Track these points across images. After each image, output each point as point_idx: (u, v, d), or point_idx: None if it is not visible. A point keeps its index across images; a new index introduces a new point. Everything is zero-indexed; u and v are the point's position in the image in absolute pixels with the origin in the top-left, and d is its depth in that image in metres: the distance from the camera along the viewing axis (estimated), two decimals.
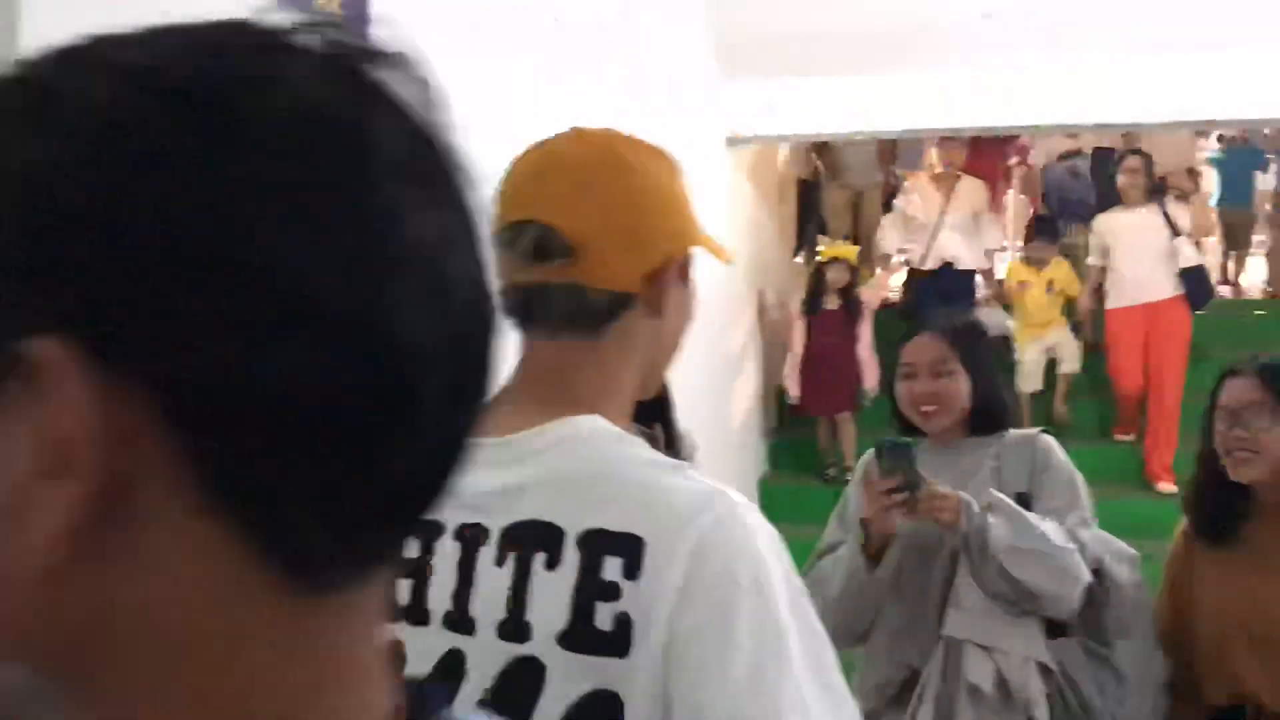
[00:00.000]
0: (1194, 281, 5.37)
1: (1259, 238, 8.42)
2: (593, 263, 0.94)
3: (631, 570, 0.87)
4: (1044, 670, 2.04)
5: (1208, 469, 2.11)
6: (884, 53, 4.77)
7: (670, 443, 2.06)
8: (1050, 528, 2.00)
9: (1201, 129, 7.19)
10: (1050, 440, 2.19)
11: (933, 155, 6.15)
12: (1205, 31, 4.51)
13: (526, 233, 0.93)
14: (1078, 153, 7.45)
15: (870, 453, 2.15)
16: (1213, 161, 8.39)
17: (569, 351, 0.97)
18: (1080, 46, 4.72)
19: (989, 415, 2.17)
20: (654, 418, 2.14)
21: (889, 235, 6.24)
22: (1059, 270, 5.97)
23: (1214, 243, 8.49)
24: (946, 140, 5.90)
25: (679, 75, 4.43)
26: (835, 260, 5.64)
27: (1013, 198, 8.49)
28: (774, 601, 0.86)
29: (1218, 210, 8.41)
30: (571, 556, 0.89)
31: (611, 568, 0.87)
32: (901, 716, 2.06)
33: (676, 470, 0.93)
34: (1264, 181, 8.40)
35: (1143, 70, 4.72)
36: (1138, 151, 5.80)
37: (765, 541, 0.89)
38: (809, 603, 0.90)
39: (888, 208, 6.82)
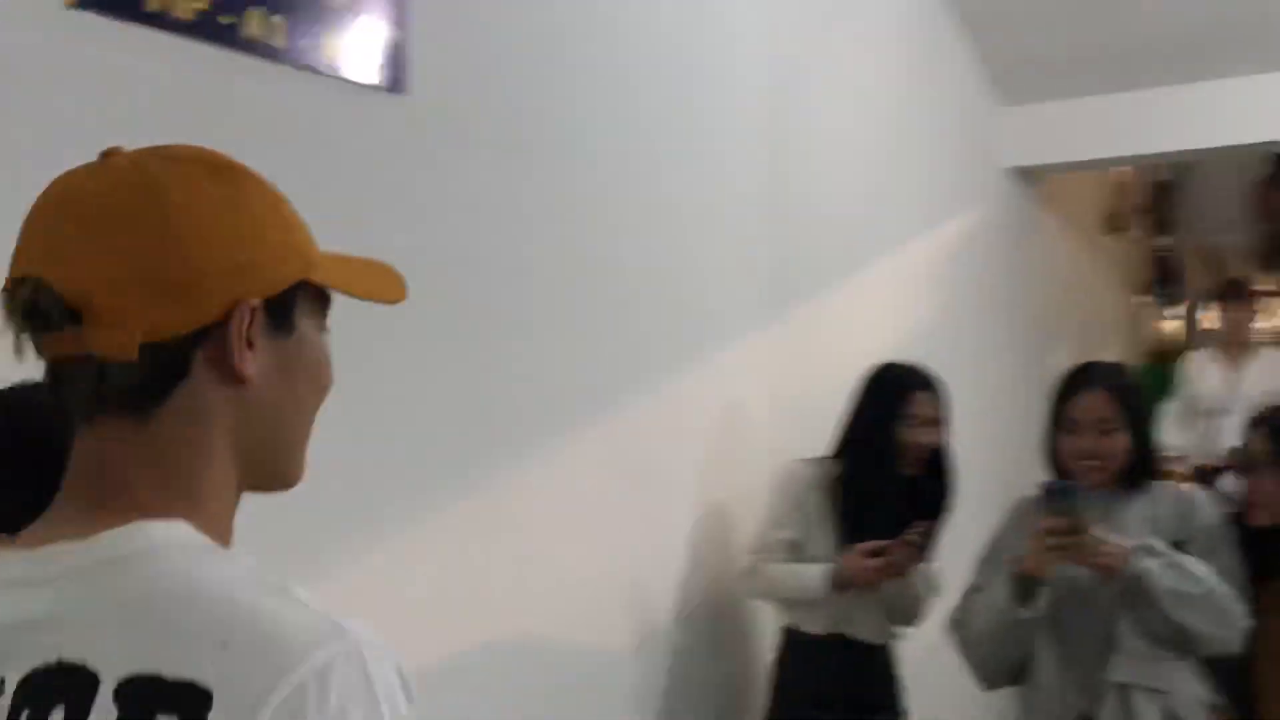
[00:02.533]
0: None
1: None
2: (106, 325, 0.70)
3: None
4: (1212, 708, 2.17)
5: None
6: (1181, 63, 4.03)
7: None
8: (1207, 572, 2.09)
9: None
10: (1201, 493, 2.34)
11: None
12: None
13: (19, 293, 0.72)
14: None
15: (1023, 496, 2.34)
16: None
17: (112, 441, 0.74)
18: None
19: (1142, 470, 2.22)
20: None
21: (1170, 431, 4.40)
22: None
23: None
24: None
25: (949, 107, 4.21)
26: None
27: None
28: None
29: None
30: (104, 716, 0.66)
31: None
32: None
33: (283, 595, 0.70)
34: None
35: None
36: None
37: (390, 690, 0.68)
38: None
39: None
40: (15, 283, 0.72)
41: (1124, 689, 2.11)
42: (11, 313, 0.71)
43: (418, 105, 2.05)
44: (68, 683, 0.67)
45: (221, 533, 0.76)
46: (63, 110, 1.56)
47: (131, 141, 0.78)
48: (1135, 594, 2.05)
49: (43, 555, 0.71)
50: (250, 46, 1.75)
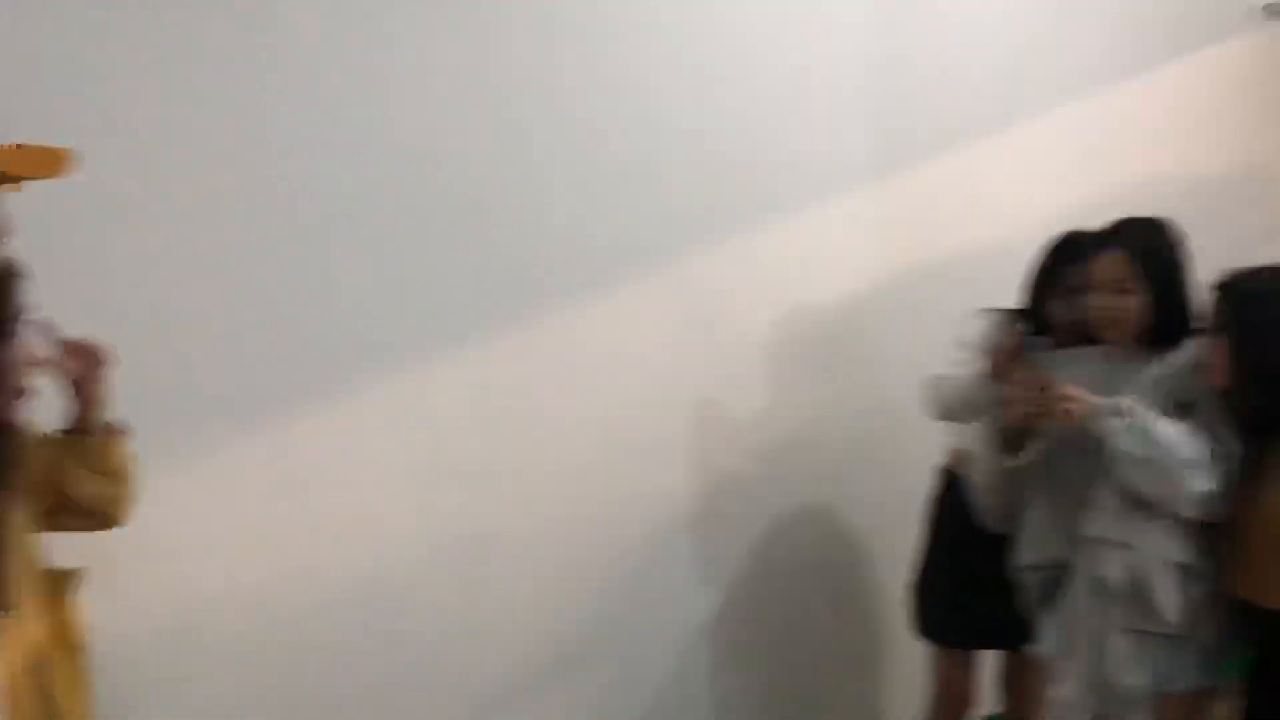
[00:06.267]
0: None
1: None
2: None
3: None
4: (1188, 568, 2.14)
5: None
6: None
7: None
8: (1179, 436, 2.08)
9: None
10: None
11: None
12: None
13: None
14: None
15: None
16: None
17: None
18: None
19: (1165, 330, 2.22)
20: None
21: None
22: None
23: None
24: None
25: None
26: None
27: None
28: None
29: None
30: None
31: None
32: (1059, 606, 2.31)
33: None
34: None
35: None
36: None
37: None
38: None
39: None
40: None
41: (1096, 541, 2.20)
42: None
43: None
44: None
45: None
46: None
47: None
48: (1103, 452, 2.13)
49: None
50: None
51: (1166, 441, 2.07)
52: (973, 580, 2.67)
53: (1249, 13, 4.25)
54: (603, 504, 2.66)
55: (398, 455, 2.37)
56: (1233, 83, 4.21)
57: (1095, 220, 2.35)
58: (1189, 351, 2.21)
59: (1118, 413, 2.11)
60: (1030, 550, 2.36)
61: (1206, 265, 2.25)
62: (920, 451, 2.88)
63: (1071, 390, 2.13)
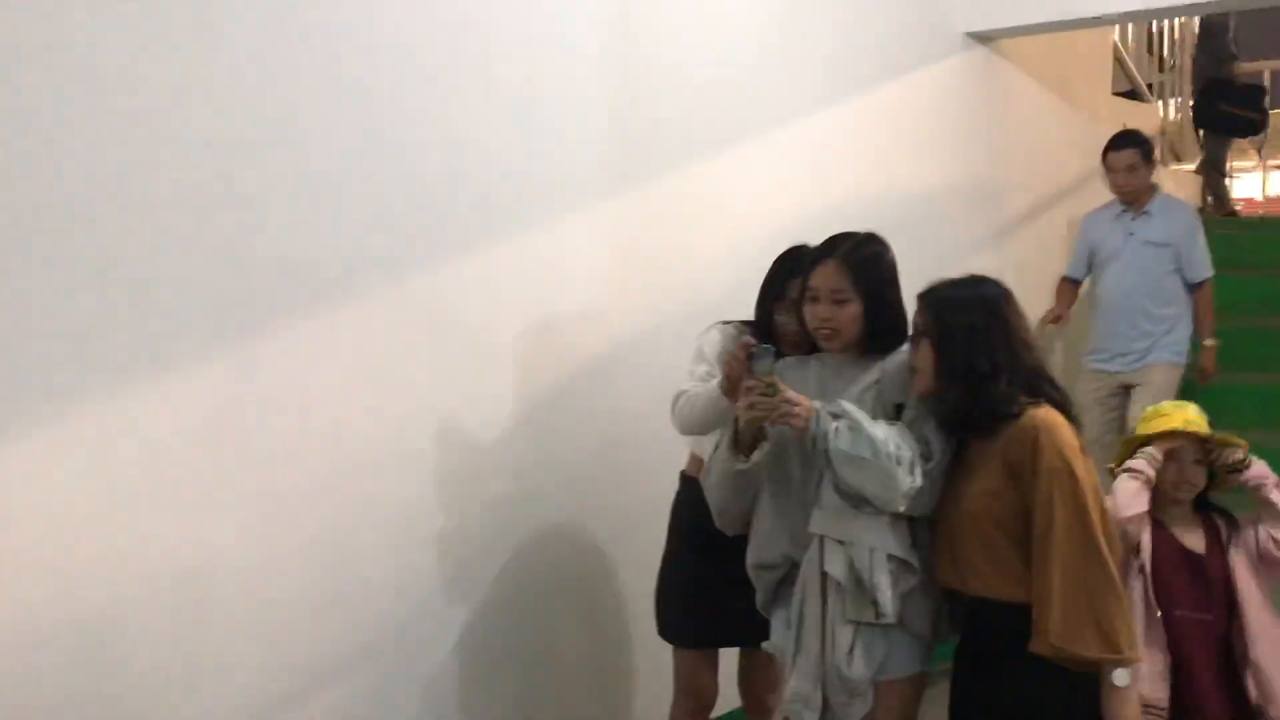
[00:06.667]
0: None
1: None
2: None
3: None
4: (902, 562, 2.30)
5: None
6: None
7: None
8: (891, 436, 2.24)
9: None
10: None
11: None
12: None
13: None
14: None
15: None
16: None
17: None
18: None
19: (879, 336, 2.39)
20: None
21: None
22: None
23: None
24: None
25: None
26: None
27: None
28: None
29: None
30: None
31: None
32: (788, 603, 2.41)
33: None
34: None
35: None
36: None
37: None
38: None
39: None
40: None
41: (821, 539, 2.32)
42: None
43: None
44: None
45: None
46: None
47: None
48: (822, 453, 2.24)
49: None
50: None
51: (879, 441, 2.20)
52: (711, 581, 2.76)
53: (954, 38, 4.62)
54: (338, 526, 2.58)
55: (105, 481, 2.21)
56: (941, 103, 4.56)
57: (820, 232, 2.47)
58: (901, 356, 2.36)
59: (835, 415, 2.24)
60: (760, 549, 2.45)
61: (920, 275, 2.40)
62: (664, 459, 2.94)
63: (794, 395, 2.25)
